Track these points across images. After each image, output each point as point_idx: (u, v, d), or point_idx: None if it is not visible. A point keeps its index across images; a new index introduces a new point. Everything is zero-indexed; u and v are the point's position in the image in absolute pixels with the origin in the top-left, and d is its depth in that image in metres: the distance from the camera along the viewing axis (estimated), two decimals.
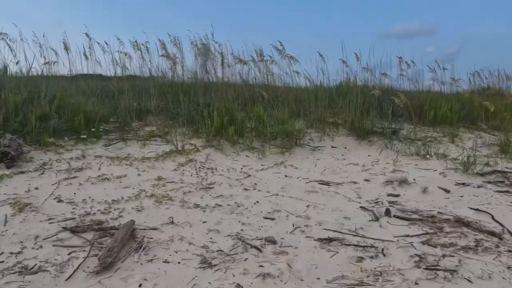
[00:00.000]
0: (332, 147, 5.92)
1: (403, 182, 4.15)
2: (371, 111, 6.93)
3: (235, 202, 3.48)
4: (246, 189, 3.88)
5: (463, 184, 4.25)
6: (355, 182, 4.26)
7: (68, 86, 7.11)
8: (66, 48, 7.20)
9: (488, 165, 4.97)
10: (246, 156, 5.15)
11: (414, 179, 4.27)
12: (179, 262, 2.33)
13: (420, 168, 4.91)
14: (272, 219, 3.11)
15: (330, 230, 2.89)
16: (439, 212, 3.31)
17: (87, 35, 7.72)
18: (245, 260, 2.37)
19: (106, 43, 7.62)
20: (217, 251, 2.49)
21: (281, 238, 2.73)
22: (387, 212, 3.27)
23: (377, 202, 3.61)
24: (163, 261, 2.34)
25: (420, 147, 5.90)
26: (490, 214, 3.23)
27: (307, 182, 4.22)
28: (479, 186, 4.17)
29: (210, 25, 7.75)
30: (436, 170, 4.76)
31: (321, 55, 7.26)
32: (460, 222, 3.04)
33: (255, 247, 2.53)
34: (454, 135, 6.83)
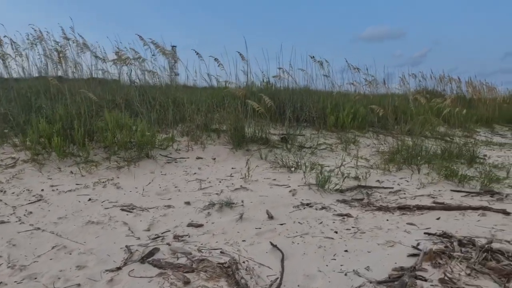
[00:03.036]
0: (198, 158, 5.08)
1: (226, 205, 3.33)
2: (266, 117, 6.19)
3: None
4: (2, 223, 2.97)
5: (307, 204, 3.48)
6: (169, 206, 3.41)
7: None
8: None
9: (356, 178, 4.25)
10: (71, 172, 4.23)
11: (242, 201, 3.46)
12: None
13: (275, 184, 4.13)
14: None
15: None
16: (221, 252, 2.49)
17: None
18: None
19: None
20: None
21: None
22: (148, 255, 2.43)
23: (160, 237, 2.76)
24: None
25: (303, 157, 5.16)
26: (282, 253, 2.44)
27: (107, 208, 3.34)
28: (322, 208, 3.40)
29: (69, 18, 6.86)
30: (289, 186, 3.99)
31: (212, 57, 6.43)
32: (226, 269, 2.23)
33: None
34: (350, 142, 6.14)
